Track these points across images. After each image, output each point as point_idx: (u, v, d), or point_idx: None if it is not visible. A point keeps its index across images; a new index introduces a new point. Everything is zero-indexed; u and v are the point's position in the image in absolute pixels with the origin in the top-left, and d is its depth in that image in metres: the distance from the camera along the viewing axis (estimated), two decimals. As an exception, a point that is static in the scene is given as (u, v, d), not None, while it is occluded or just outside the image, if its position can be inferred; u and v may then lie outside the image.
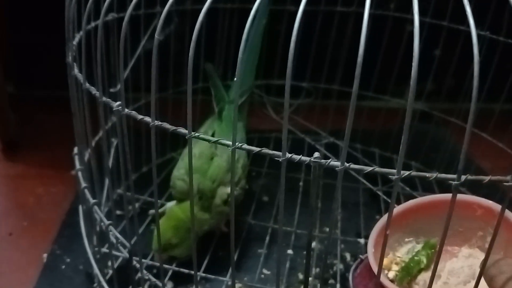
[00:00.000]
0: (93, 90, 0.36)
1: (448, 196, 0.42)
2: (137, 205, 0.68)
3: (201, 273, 0.56)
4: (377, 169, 0.26)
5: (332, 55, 0.78)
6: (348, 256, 0.62)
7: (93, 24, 0.48)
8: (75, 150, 0.49)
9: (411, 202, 0.42)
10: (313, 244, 0.64)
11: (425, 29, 0.72)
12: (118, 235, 0.38)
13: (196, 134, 0.29)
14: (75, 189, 0.72)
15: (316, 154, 0.26)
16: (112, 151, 0.63)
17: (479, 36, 0.71)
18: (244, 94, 0.66)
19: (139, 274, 0.39)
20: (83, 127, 0.42)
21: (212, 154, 0.58)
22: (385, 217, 0.42)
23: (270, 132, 0.84)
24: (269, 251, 0.62)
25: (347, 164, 0.26)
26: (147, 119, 0.32)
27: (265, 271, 0.59)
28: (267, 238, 0.64)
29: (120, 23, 0.56)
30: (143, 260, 0.51)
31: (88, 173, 0.46)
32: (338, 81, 0.80)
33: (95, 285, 0.53)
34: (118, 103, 0.33)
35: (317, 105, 0.82)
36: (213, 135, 0.59)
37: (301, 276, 0.59)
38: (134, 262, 0.39)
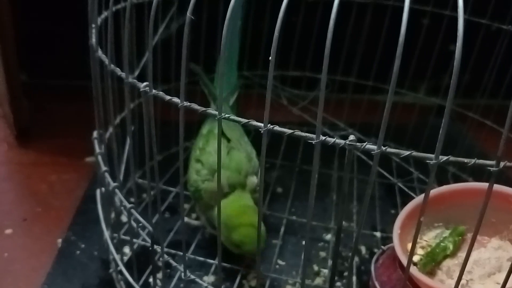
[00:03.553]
0: (119, 71, 0.36)
1: (483, 185, 0.42)
2: (152, 192, 0.67)
3: (216, 261, 0.55)
4: (414, 153, 0.25)
5: (349, 47, 0.77)
6: (363, 249, 0.62)
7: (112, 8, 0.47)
8: (95, 134, 0.48)
9: (444, 188, 0.42)
10: (329, 236, 0.63)
11: (444, 23, 0.71)
12: (140, 218, 0.38)
13: (226, 115, 0.29)
14: (88, 176, 0.72)
15: (352, 137, 0.26)
16: (128, 137, 0.62)
17: (500, 30, 0.70)
18: (232, 93, 0.65)
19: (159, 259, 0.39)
20: (105, 110, 0.42)
21: (228, 148, 0.57)
22: (415, 200, 0.41)
23: (284, 124, 0.83)
24: (284, 242, 0.62)
25: (384, 148, 0.25)
26: (176, 100, 0.31)
27: (280, 261, 0.59)
28: (282, 229, 0.63)
29: (138, 7, 0.55)
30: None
31: (108, 156, 0.46)
32: (354, 74, 0.79)
33: (111, 270, 0.52)
34: (145, 83, 0.33)
35: (333, 98, 0.81)
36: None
37: (316, 268, 0.58)
38: (155, 247, 0.39)
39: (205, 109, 0.30)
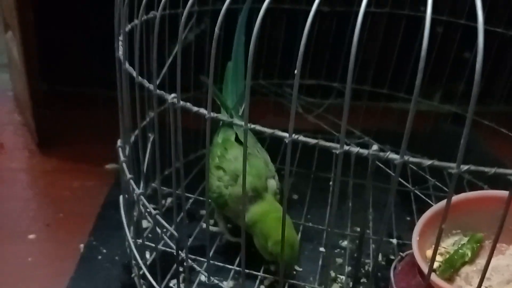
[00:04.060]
0: (146, 83, 0.37)
1: (500, 193, 0.42)
2: (169, 200, 0.69)
3: (235, 267, 0.56)
4: (436, 162, 0.26)
5: (363, 56, 0.78)
6: (379, 256, 0.62)
7: (136, 21, 0.49)
8: (119, 142, 0.50)
9: (462, 196, 0.43)
10: (345, 243, 0.64)
11: (459, 31, 0.72)
12: (166, 224, 0.39)
13: (253, 126, 0.30)
14: (109, 183, 0.74)
15: (375, 147, 0.27)
16: (149, 145, 0.64)
17: (508, 36, 0.71)
18: (241, 103, 0.66)
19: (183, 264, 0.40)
20: (130, 120, 0.43)
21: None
22: (433, 208, 0.42)
23: (299, 132, 0.84)
24: (301, 248, 0.62)
25: (406, 158, 0.26)
26: (203, 111, 0.32)
27: (296, 267, 0.59)
28: (298, 236, 0.64)
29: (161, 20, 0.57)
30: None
31: (132, 165, 0.47)
32: (369, 82, 0.80)
33: (133, 275, 0.53)
34: (173, 95, 0.34)
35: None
36: (237, 139, 0.60)
37: (333, 274, 0.59)
38: (180, 253, 0.40)
39: (231, 120, 0.31)
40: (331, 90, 0.84)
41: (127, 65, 0.41)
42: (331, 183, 0.76)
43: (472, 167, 0.26)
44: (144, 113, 0.64)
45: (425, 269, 0.36)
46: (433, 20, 0.75)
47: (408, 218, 0.70)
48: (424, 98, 0.81)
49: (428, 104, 0.82)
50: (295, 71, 0.27)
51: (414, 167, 0.76)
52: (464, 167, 0.26)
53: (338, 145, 0.27)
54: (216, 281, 0.39)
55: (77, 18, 0.95)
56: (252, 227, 0.54)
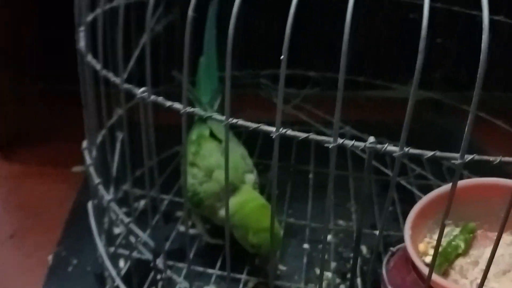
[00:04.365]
0: (112, 77, 0.34)
1: (492, 180, 0.41)
2: (142, 202, 0.65)
3: (216, 271, 0.53)
4: (438, 153, 0.24)
5: (340, 44, 0.76)
6: (364, 249, 0.60)
7: (99, 10, 0.45)
8: (84, 144, 0.46)
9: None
10: (329, 237, 0.62)
11: (435, 16, 0.70)
12: (141, 233, 0.36)
13: (235, 120, 0.27)
14: (77, 186, 0.69)
15: (371, 139, 0.24)
16: (118, 145, 0.60)
17: (492, 22, 0.69)
18: (215, 97, 0.64)
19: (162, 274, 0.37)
20: (96, 118, 0.40)
21: (222, 149, 0.56)
22: (424, 199, 0.40)
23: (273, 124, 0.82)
24: (284, 246, 0.60)
25: (406, 149, 0.24)
26: (178, 105, 0.29)
27: (281, 267, 0.57)
28: (281, 233, 0.62)
29: (126, 9, 0.53)
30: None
31: (100, 167, 0.43)
32: (346, 70, 0.78)
33: (107, 287, 0.50)
34: (143, 89, 0.31)
35: (325, 96, 0.80)
36: (211, 134, 0.58)
37: (318, 271, 0.57)
38: (157, 262, 0.36)
39: (210, 114, 0.28)
40: (307, 80, 0.81)
41: (89, 57, 0.37)
42: (310, 175, 0.73)
43: (476, 157, 0.24)
44: (110, 111, 0.60)
45: (420, 265, 0.34)
46: (407, 5, 0.73)
47: (390, 208, 0.69)
48: (401, 85, 0.80)
49: (405, 91, 0.80)
50: (282, 57, 0.24)
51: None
52: (468, 157, 0.24)
53: (331, 139, 0.25)
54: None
55: (46, 14, 0.89)
56: (232, 220, 0.51)
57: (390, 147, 0.24)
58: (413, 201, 0.66)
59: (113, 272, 0.43)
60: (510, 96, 0.67)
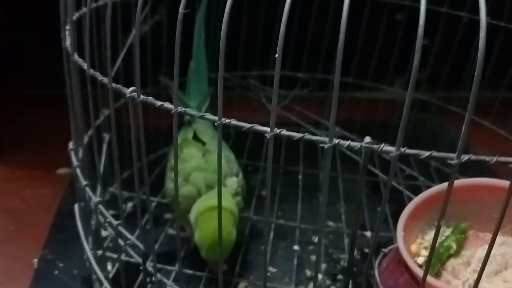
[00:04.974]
0: (100, 76, 0.33)
1: (482, 180, 0.41)
2: (130, 204, 0.64)
3: (206, 274, 0.53)
4: (435, 153, 0.24)
5: (329, 45, 0.76)
6: (354, 250, 0.60)
7: (84, 9, 0.44)
8: (70, 145, 0.45)
9: (444, 186, 0.41)
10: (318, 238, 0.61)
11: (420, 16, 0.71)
12: (130, 236, 0.35)
13: (228, 120, 0.26)
14: (63, 189, 0.68)
15: (367, 139, 0.24)
16: (105, 147, 0.59)
17: (477, 22, 0.70)
18: (204, 101, 0.64)
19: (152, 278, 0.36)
20: (82, 118, 0.39)
21: (203, 151, 0.55)
22: (415, 200, 0.40)
23: (265, 125, 0.81)
24: (274, 247, 0.59)
25: (403, 149, 0.24)
26: (168, 105, 0.28)
27: (271, 268, 0.57)
28: (271, 234, 0.61)
29: (113, 9, 0.52)
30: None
31: (86, 169, 0.42)
32: (334, 72, 0.78)
33: (95, 290, 0.49)
34: (132, 88, 0.30)
35: (314, 97, 0.80)
36: (194, 137, 0.57)
37: (309, 273, 0.56)
38: (147, 265, 0.36)
39: (203, 114, 0.27)
40: (295, 81, 0.81)
41: (76, 56, 0.36)
42: (300, 177, 0.73)
43: (473, 157, 0.23)
44: (97, 112, 0.59)
45: (414, 266, 0.34)
46: (393, 6, 0.73)
47: (379, 209, 0.69)
48: (389, 87, 0.80)
49: (395, 92, 0.81)
50: (276, 55, 0.23)
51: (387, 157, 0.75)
52: (465, 157, 0.23)
53: (326, 139, 0.24)
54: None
55: (26, 17, 0.87)
56: (195, 223, 0.49)
57: (387, 147, 0.24)
58: (402, 201, 0.67)
59: (101, 275, 0.42)
60: (496, 95, 0.67)
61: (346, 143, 0.24)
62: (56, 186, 0.69)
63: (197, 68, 0.63)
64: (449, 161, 0.24)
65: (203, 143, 0.56)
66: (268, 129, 0.25)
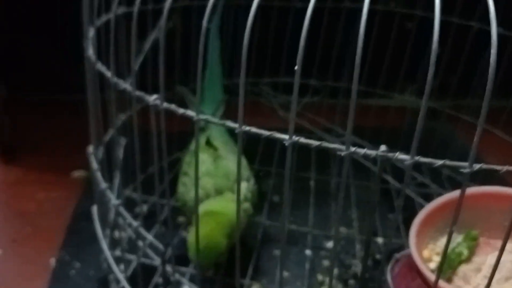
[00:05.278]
0: (123, 84, 0.34)
1: (494, 188, 0.42)
2: (145, 207, 0.65)
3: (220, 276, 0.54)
4: (448, 162, 0.25)
5: (340, 52, 0.77)
6: (368, 257, 0.61)
7: (104, 18, 0.45)
8: (90, 149, 0.46)
9: (455, 193, 0.41)
10: (330, 244, 0.62)
11: (430, 26, 0.72)
12: (150, 237, 0.36)
13: (247, 128, 0.28)
14: (77, 193, 0.69)
15: (383, 147, 0.25)
16: (122, 151, 0.60)
17: (487, 31, 0.71)
18: (218, 109, 0.65)
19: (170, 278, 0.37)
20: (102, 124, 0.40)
21: (214, 157, 0.56)
22: (428, 206, 0.41)
23: (277, 130, 0.82)
24: (286, 252, 0.60)
25: (417, 157, 0.24)
26: (190, 113, 0.30)
27: (283, 272, 0.57)
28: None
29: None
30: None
31: (106, 172, 0.44)
32: (346, 79, 0.79)
33: (112, 292, 0.50)
34: (155, 96, 0.31)
35: (325, 103, 0.81)
36: (207, 142, 0.58)
37: (320, 277, 0.57)
38: (167, 267, 0.37)
39: (224, 121, 0.28)
40: (307, 88, 0.82)
41: (100, 65, 0.37)
42: (311, 183, 0.74)
43: (484, 166, 0.24)
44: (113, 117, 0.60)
45: (426, 272, 0.35)
46: (403, 16, 0.74)
47: (390, 215, 0.69)
48: (399, 94, 0.81)
49: (406, 100, 0.81)
50: (296, 67, 0.24)
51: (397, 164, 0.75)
52: (476, 166, 0.24)
53: (343, 147, 0.25)
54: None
55: (38, 21, 0.90)
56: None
57: (402, 156, 0.25)
58: (413, 208, 0.67)
59: (120, 275, 0.43)
60: (505, 104, 0.68)
61: (362, 151, 0.25)
62: (69, 190, 0.70)
63: (212, 75, 0.65)
64: (461, 170, 0.25)
65: (215, 149, 0.57)
66: (286, 136, 0.26)
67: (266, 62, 0.79)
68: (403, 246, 0.58)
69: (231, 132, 0.63)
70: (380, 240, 0.63)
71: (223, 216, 0.48)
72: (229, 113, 0.69)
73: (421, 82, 0.81)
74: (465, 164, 0.25)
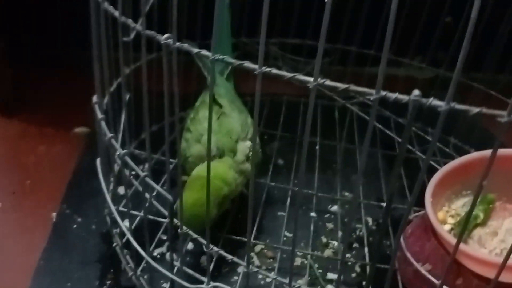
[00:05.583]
0: (132, 23, 0.32)
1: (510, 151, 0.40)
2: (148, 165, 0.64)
3: (224, 234, 0.53)
4: (485, 110, 0.23)
5: (350, 16, 0.74)
6: (370, 220, 0.60)
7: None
8: (95, 98, 0.44)
9: (472, 156, 0.40)
10: (335, 207, 0.62)
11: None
12: (158, 187, 0.35)
13: (267, 69, 0.26)
14: (78, 148, 0.68)
15: (416, 92, 0.23)
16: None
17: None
18: (226, 67, 0.63)
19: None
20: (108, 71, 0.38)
21: (219, 114, 0.55)
22: (444, 168, 0.39)
23: (281, 95, 0.80)
24: (290, 213, 0.59)
25: (452, 104, 0.23)
26: (206, 53, 0.28)
27: (287, 233, 0.57)
28: (288, 201, 0.61)
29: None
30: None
31: (112, 122, 0.42)
32: (357, 43, 0.76)
33: (114, 244, 0.49)
34: (167, 35, 0.29)
35: (333, 69, 0.79)
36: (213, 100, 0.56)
37: (324, 239, 0.56)
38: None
39: (241, 62, 0.26)
40: (315, 50, 0.79)
41: (106, 4, 0.35)
42: (317, 147, 0.73)
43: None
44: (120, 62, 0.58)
45: (443, 232, 0.34)
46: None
47: (396, 183, 0.68)
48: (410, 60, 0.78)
49: (417, 68, 0.79)
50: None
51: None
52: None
53: (373, 91, 0.23)
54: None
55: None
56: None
57: (436, 102, 0.23)
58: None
59: (125, 228, 0.42)
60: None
61: (393, 95, 0.23)
62: (71, 145, 0.69)
63: (221, 33, 0.62)
64: (498, 119, 0.23)
65: (220, 106, 0.55)
66: (311, 78, 0.25)
67: (275, 23, 0.76)
68: (410, 211, 0.57)
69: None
70: (384, 205, 0.62)
71: (214, 183, 0.45)
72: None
73: (431, 52, 0.79)
74: (503, 113, 0.23)
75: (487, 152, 0.41)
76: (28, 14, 0.89)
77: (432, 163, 0.64)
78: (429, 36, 0.73)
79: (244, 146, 0.53)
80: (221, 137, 0.52)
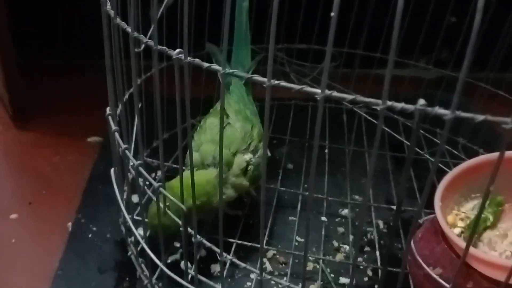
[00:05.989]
0: (144, 39, 0.33)
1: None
2: (159, 173, 0.65)
3: (236, 240, 0.54)
4: (490, 117, 0.24)
5: (357, 18, 0.74)
6: (381, 223, 0.61)
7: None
8: (108, 110, 0.45)
9: (480, 158, 0.40)
10: (346, 211, 0.62)
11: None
12: (173, 198, 0.36)
13: (276, 81, 0.27)
14: (92, 156, 0.69)
15: (421, 101, 0.24)
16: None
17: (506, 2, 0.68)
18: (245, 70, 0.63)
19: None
20: (122, 84, 0.39)
21: (224, 124, 0.55)
22: (452, 172, 0.40)
23: (289, 99, 0.81)
24: (301, 218, 0.60)
25: (458, 112, 0.23)
26: (216, 67, 0.29)
27: (298, 238, 0.57)
28: (299, 206, 0.62)
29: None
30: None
31: (125, 133, 0.43)
32: (362, 46, 0.77)
33: (129, 253, 0.50)
34: (178, 50, 0.30)
35: (339, 72, 0.79)
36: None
37: (336, 244, 0.57)
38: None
39: (251, 75, 0.27)
40: (322, 54, 0.80)
41: (119, 19, 0.36)
42: (326, 151, 0.73)
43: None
44: (129, 80, 0.59)
45: (453, 236, 0.34)
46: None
47: (406, 184, 0.69)
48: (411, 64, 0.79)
49: (423, 69, 0.79)
50: (332, 14, 0.23)
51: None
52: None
53: (379, 101, 0.24)
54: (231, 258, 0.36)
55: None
56: None
57: (441, 110, 0.24)
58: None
59: (140, 237, 0.43)
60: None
61: (399, 105, 0.24)
62: (85, 153, 0.70)
63: (238, 38, 0.62)
64: (503, 126, 0.24)
65: (226, 116, 0.56)
66: (319, 90, 0.25)
67: (281, 29, 0.77)
68: (420, 214, 0.58)
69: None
70: (394, 208, 0.62)
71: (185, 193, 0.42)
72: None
73: (436, 52, 0.79)
74: (508, 119, 0.24)
75: (495, 155, 0.42)
76: (41, 23, 0.91)
77: (441, 165, 0.65)
78: (434, 37, 0.74)
79: (242, 160, 0.53)
80: (218, 148, 0.52)
